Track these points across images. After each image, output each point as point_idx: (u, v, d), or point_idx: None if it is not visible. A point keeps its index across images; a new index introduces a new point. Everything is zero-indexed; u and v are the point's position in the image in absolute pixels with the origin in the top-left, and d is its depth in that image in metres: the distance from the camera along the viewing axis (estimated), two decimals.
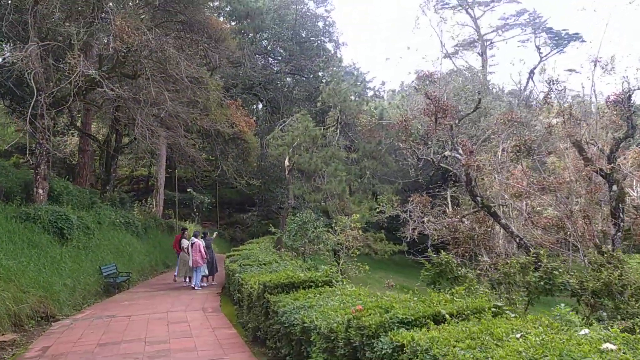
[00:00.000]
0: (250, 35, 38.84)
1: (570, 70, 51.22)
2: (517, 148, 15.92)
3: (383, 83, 71.17)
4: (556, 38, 50.92)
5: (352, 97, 32.00)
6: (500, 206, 32.17)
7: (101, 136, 31.09)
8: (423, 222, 30.63)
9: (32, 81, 16.04)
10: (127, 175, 37.61)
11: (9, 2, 15.98)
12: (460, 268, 9.43)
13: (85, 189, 23.41)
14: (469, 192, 15.56)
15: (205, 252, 18.11)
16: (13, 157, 36.42)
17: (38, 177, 18.55)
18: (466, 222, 19.49)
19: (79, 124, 29.06)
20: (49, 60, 16.31)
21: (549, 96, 19.49)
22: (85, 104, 22.72)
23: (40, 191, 18.55)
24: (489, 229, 17.31)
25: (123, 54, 16.97)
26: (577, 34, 50.46)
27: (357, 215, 17.67)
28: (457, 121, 17.01)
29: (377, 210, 29.52)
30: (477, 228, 18.32)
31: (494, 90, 45.32)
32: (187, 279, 19.64)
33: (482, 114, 40.33)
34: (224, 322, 10.84)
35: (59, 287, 13.57)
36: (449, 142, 16.81)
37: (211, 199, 39.70)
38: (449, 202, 33.76)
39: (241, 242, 40.32)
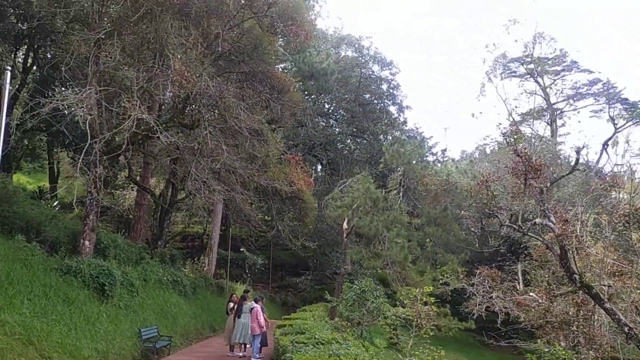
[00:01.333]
0: (313, 96, 38.09)
1: None
2: (626, 218, 13.40)
3: (445, 150, 68.85)
4: (632, 109, 47.84)
5: (415, 161, 30.10)
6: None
7: (159, 191, 30.26)
8: (491, 297, 27.68)
9: (87, 127, 15.09)
10: (180, 232, 36.53)
11: (71, 47, 15.24)
12: None
13: (135, 243, 22.15)
14: (564, 267, 13.06)
15: (265, 319, 16.15)
16: (75, 211, 36.30)
17: (86, 228, 17.31)
18: (558, 304, 16.71)
19: (138, 178, 28.42)
20: (103, 103, 15.33)
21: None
22: (142, 154, 21.77)
23: (87, 243, 17.26)
24: (589, 314, 14.56)
25: (181, 100, 15.88)
26: None
27: (430, 287, 15.31)
28: (548, 184, 14.75)
29: (441, 281, 26.86)
30: (572, 312, 15.51)
31: (566, 161, 42.32)
32: (232, 349, 17.59)
33: (555, 185, 37.42)
34: None
35: (89, 352, 11.81)
36: (539, 208, 14.43)
37: (264, 260, 37.93)
38: (520, 278, 30.66)
39: (293, 307, 38.09)
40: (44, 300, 12.24)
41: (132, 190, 33.65)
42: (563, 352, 6.80)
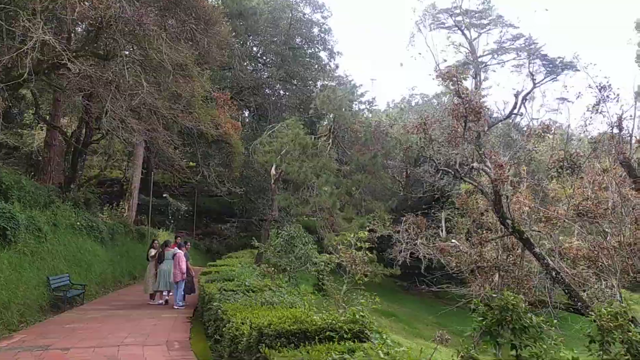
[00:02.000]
0: (242, 37, 36.01)
1: (562, 99, 49.25)
2: (560, 163, 13.29)
3: (374, 98, 68.71)
4: (550, 65, 49.24)
5: (345, 108, 29.28)
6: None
7: (71, 131, 27.77)
8: (415, 244, 27.98)
9: None
10: (97, 175, 34.19)
11: None
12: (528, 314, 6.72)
13: (44, 186, 20.12)
14: (497, 212, 12.86)
15: (187, 266, 15.16)
16: None
17: None
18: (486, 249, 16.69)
19: (47, 117, 25.86)
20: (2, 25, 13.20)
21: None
22: (50, 87, 19.57)
23: None
24: (518, 259, 14.60)
25: (94, 25, 14.02)
26: (571, 62, 48.81)
27: (365, 233, 14.79)
28: (485, 128, 14.41)
29: (368, 228, 26.71)
30: (502, 257, 15.47)
31: (489, 113, 43.14)
32: (152, 297, 16.55)
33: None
34: None
35: None
36: (476, 153, 14.03)
37: (188, 206, 36.48)
38: (443, 225, 31.19)
39: (218, 255, 37.05)
40: None
41: (42, 130, 30.79)
42: (513, 296, 6.40)
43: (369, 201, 28.35)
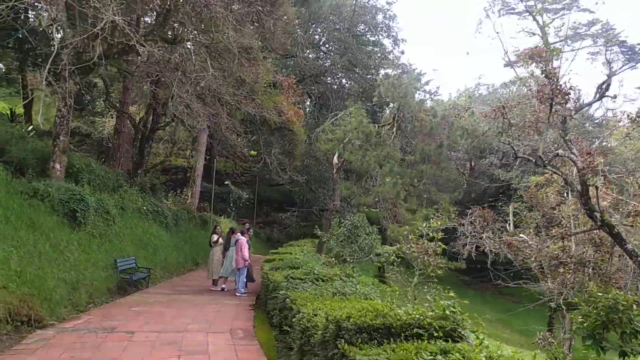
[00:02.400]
0: (305, 24, 35.55)
1: None
2: None
3: (437, 88, 67.03)
4: (629, 52, 46.11)
5: (410, 96, 28.28)
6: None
7: (139, 118, 28.26)
8: (481, 237, 26.78)
9: (54, 31, 13.11)
10: (162, 162, 34.78)
11: None
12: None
13: (113, 170, 20.45)
14: (584, 205, 11.75)
15: (249, 253, 14.92)
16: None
17: (56, 149, 15.58)
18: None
19: (117, 104, 26.40)
20: (76, 7, 13.25)
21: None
22: (120, 73, 19.79)
23: (57, 166, 15.58)
24: (607, 255, 13.43)
25: (163, 10, 13.89)
26: None
27: (438, 222, 13.97)
28: (572, 113, 13.27)
29: (432, 221, 25.78)
30: (589, 253, 14.31)
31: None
32: (214, 283, 16.43)
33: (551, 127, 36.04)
34: (258, 358, 7.40)
35: (54, 282, 10.38)
36: (562, 139, 12.93)
37: (249, 194, 36.57)
38: (511, 219, 29.75)
39: (278, 243, 37.03)
40: (3, 224, 10.68)
41: (112, 117, 31.59)
42: (623, 295, 5.57)
43: (433, 192, 27.36)
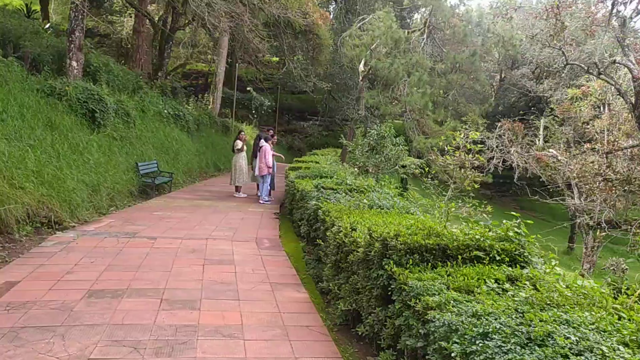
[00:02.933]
0: None
1: None
2: None
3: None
4: None
5: None
6: None
7: (158, 17, 26.90)
8: (509, 152, 25.86)
9: None
10: (182, 64, 33.66)
11: None
12: None
13: (132, 71, 19.61)
14: (637, 117, 10.79)
15: (273, 160, 14.36)
16: None
17: (72, 46, 14.70)
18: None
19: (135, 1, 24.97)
20: None
21: None
22: None
23: (74, 64, 14.78)
24: None
25: None
26: None
27: (477, 133, 13.06)
28: (634, 14, 11.90)
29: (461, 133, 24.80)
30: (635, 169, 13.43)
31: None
32: (237, 190, 16.06)
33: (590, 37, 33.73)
34: (287, 270, 6.96)
35: (74, 184, 9.96)
36: (619, 44, 11.67)
37: (271, 101, 35.61)
38: (541, 134, 28.65)
39: (299, 152, 36.59)
40: (19, 121, 10.13)
41: (131, 17, 30.17)
42: None
43: (462, 104, 26.14)
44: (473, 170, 12.32)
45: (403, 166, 18.17)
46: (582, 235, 25.03)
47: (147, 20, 23.79)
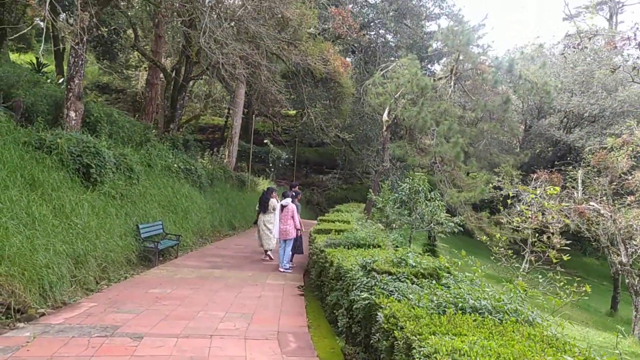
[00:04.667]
0: None
1: None
2: None
3: (492, 42, 62.11)
4: None
5: (471, 45, 24.52)
6: None
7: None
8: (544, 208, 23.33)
9: None
10: (197, 116, 32.11)
11: None
12: None
13: (140, 122, 17.81)
14: None
15: (299, 220, 12.16)
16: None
17: (70, 94, 12.95)
18: None
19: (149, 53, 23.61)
20: None
21: None
22: (147, 12, 16.86)
23: (72, 114, 12.98)
24: None
25: None
26: None
27: (557, 189, 10.56)
28: None
29: (493, 186, 22.45)
30: None
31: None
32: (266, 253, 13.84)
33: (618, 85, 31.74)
34: None
35: (47, 259, 7.74)
36: None
37: (289, 154, 33.75)
38: (579, 186, 26.13)
39: (318, 207, 34.40)
40: None
41: (146, 70, 28.94)
42: None
43: (494, 154, 23.91)
44: (559, 236, 9.86)
45: (440, 223, 15.84)
46: (632, 296, 22.19)
47: (161, 72, 22.32)
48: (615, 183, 26.99)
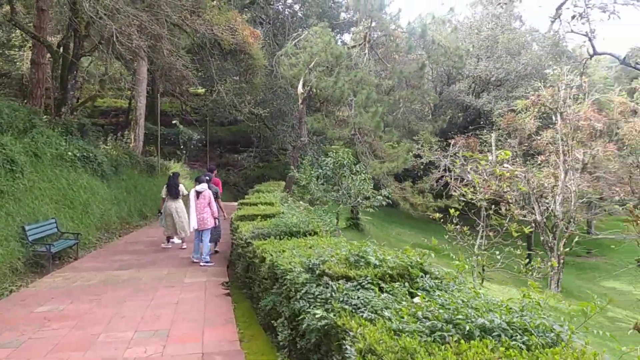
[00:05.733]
0: None
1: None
2: None
3: (399, 10, 62.12)
4: None
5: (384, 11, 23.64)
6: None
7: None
8: (464, 169, 23.29)
9: None
10: (91, 97, 29.05)
11: None
12: None
13: (23, 106, 15.26)
14: None
15: (218, 206, 10.79)
16: None
17: None
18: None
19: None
20: None
21: None
22: None
23: None
24: None
25: None
26: None
27: (508, 152, 9.64)
28: None
29: (413, 154, 21.94)
30: None
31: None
32: (169, 240, 12.37)
33: (522, 48, 32.47)
34: None
35: None
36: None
37: (200, 135, 31.60)
38: (494, 148, 26.36)
39: (235, 187, 32.69)
40: None
41: (30, 50, 25.45)
42: None
43: (413, 122, 23.39)
44: (516, 206, 9.09)
45: (367, 198, 14.96)
46: (547, 253, 22.81)
47: (47, 50, 19.45)
48: (525, 144, 27.71)
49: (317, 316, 3.29)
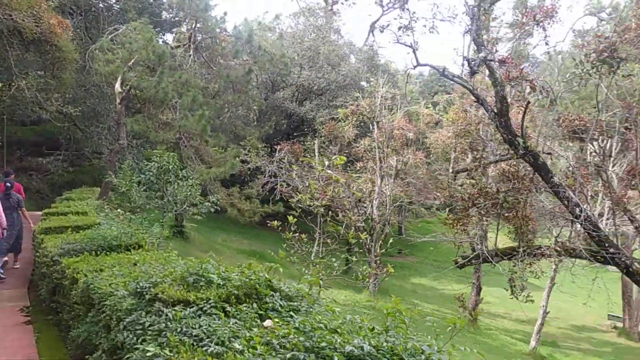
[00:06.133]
0: None
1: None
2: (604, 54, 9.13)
3: (225, 14, 60.74)
4: None
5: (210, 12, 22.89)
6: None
7: None
8: (291, 176, 23.66)
9: None
10: None
11: None
12: None
13: None
14: (503, 127, 8.78)
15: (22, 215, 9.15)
16: None
17: None
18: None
19: None
20: None
21: None
22: None
23: None
24: (526, 191, 10.73)
25: None
26: None
27: (343, 158, 9.32)
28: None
29: (240, 159, 21.60)
30: (504, 188, 11.40)
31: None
32: None
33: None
34: None
35: None
36: (477, 41, 9.52)
37: None
38: (317, 155, 27.25)
39: (39, 194, 28.92)
40: None
41: None
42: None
43: (239, 127, 23.03)
44: (355, 210, 9.07)
45: (194, 205, 14.20)
46: (365, 254, 24.29)
47: None
48: (345, 151, 29.24)
49: (148, 354, 2.67)
